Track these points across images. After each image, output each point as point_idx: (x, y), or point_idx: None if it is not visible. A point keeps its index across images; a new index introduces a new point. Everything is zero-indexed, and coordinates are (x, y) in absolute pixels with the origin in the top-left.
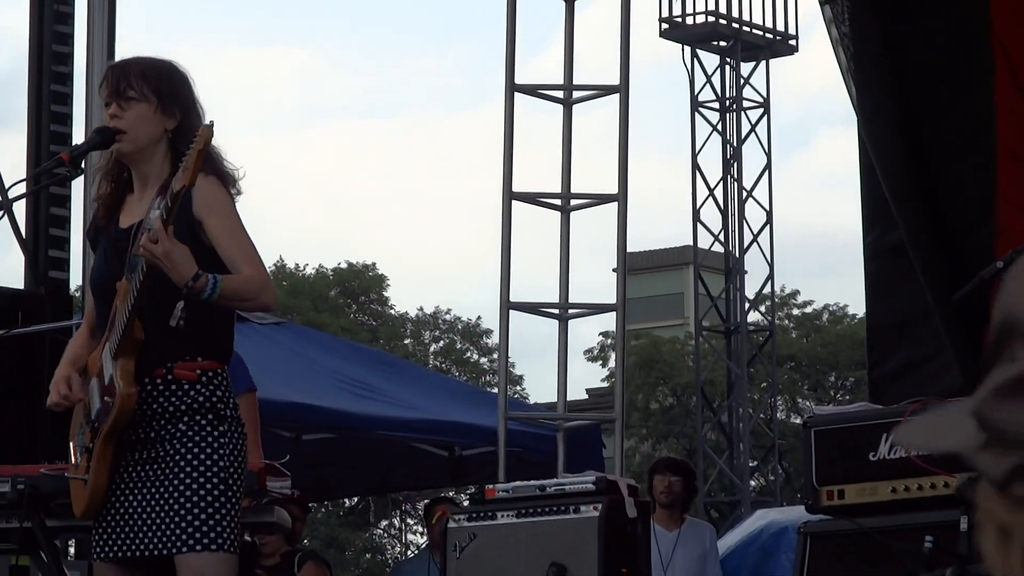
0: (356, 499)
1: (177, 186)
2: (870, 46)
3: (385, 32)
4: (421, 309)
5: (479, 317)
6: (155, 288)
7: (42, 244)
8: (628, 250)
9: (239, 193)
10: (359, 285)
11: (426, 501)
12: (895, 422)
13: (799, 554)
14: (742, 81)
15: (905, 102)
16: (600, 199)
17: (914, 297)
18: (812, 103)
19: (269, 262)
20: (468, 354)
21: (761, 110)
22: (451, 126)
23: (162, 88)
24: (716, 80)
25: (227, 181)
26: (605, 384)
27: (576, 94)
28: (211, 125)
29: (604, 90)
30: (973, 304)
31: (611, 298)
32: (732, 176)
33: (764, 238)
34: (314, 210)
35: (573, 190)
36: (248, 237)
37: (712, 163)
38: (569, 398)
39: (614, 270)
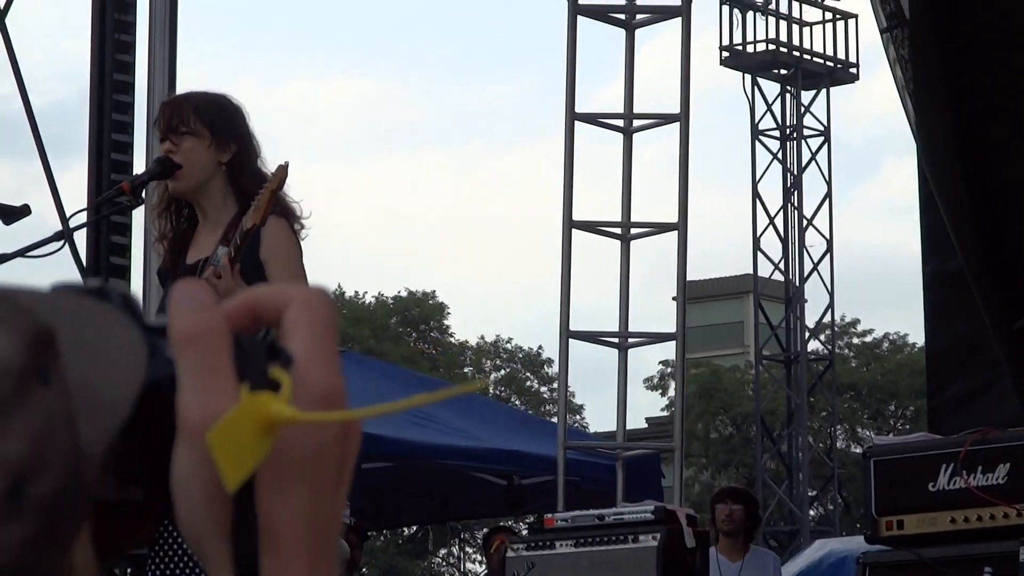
0: (415, 528)
1: (248, 224)
2: (930, 71)
3: (449, 62)
4: (482, 337)
5: (540, 346)
6: None
7: (103, 273)
8: (688, 279)
9: (303, 228)
10: (419, 313)
11: (485, 530)
12: (955, 452)
13: None
14: (803, 109)
15: (964, 127)
16: (660, 228)
17: (973, 325)
18: (873, 131)
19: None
20: (528, 383)
21: (822, 138)
22: (513, 155)
23: (215, 121)
24: (776, 108)
25: (292, 219)
26: (665, 413)
27: (636, 123)
28: (286, 166)
29: (664, 119)
30: None
31: (671, 327)
32: (792, 204)
33: (824, 267)
34: (375, 238)
35: (633, 219)
36: (307, 282)
37: (772, 192)
38: (628, 427)
39: (674, 299)
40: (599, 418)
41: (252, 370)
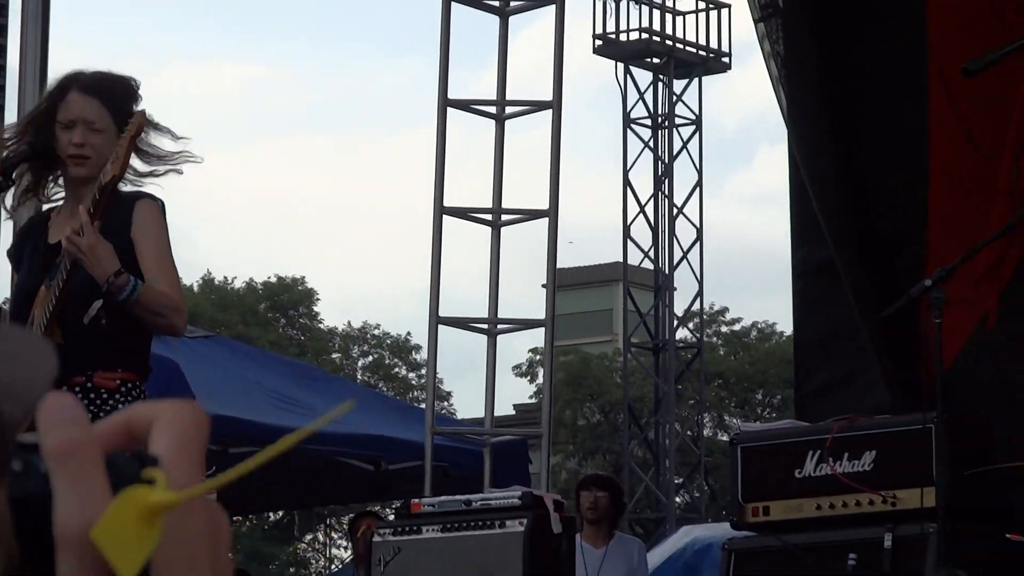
0: (281, 513)
1: (106, 177)
2: (803, 62)
3: (324, 49)
4: (349, 324)
5: (408, 332)
6: (75, 294)
7: None
8: (558, 266)
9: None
10: (288, 299)
11: (351, 515)
12: (822, 439)
13: (723, 571)
14: (675, 98)
15: (838, 118)
16: (531, 215)
17: (841, 314)
18: (744, 121)
19: (198, 274)
20: (396, 369)
21: (693, 127)
22: (386, 142)
23: (119, 109)
24: (649, 97)
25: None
26: (533, 400)
27: (509, 110)
28: (143, 112)
29: (537, 106)
30: (901, 321)
31: (540, 314)
32: (663, 193)
33: (694, 255)
34: (246, 224)
35: (504, 205)
36: (173, 264)
37: (644, 180)
38: (497, 414)
39: (544, 286)
40: (467, 405)
41: (124, 480)
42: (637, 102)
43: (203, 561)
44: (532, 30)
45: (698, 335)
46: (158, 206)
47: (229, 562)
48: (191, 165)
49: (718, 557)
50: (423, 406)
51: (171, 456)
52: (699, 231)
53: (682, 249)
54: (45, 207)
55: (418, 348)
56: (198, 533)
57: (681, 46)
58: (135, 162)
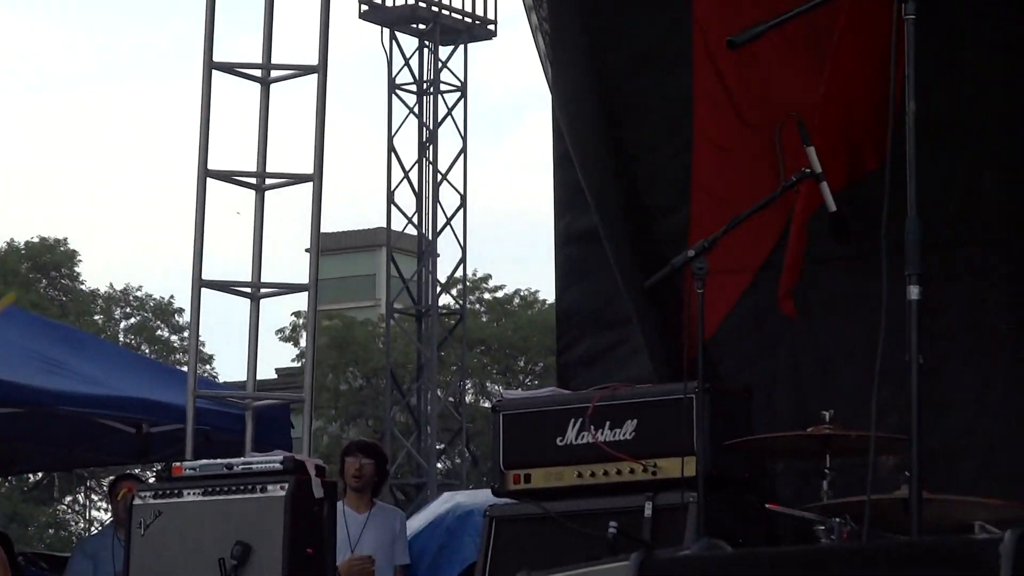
0: (40, 475)
1: None
2: (569, 31)
3: (92, 8)
4: (111, 286)
5: (171, 295)
6: None
7: None
8: (322, 231)
9: None
10: (50, 260)
11: (112, 478)
12: (583, 407)
13: (484, 537)
14: (440, 64)
15: (603, 87)
16: (295, 179)
17: (604, 283)
18: (509, 89)
19: None
20: (159, 332)
21: (458, 94)
22: (151, 103)
23: None
24: (414, 63)
25: None
26: (296, 364)
27: (274, 73)
28: None
29: (302, 70)
30: (664, 291)
31: (304, 278)
32: (427, 159)
33: (458, 222)
34: (5, 183)
35: (269, 169)
36: None
37: (408, 146)
38: (260, 378)
39: (307, 250)
40: (231, 368)
41: None
42: (402, 68)
43: None
44: None
45: (461, 301)
46: None
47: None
48: None
49: (479, 523)
50: (185, 369)
51: None
52: (463, 198)
53: (446, 215)
54: None
55: (181, 311)
56: None
57: (447, 12)
58: None
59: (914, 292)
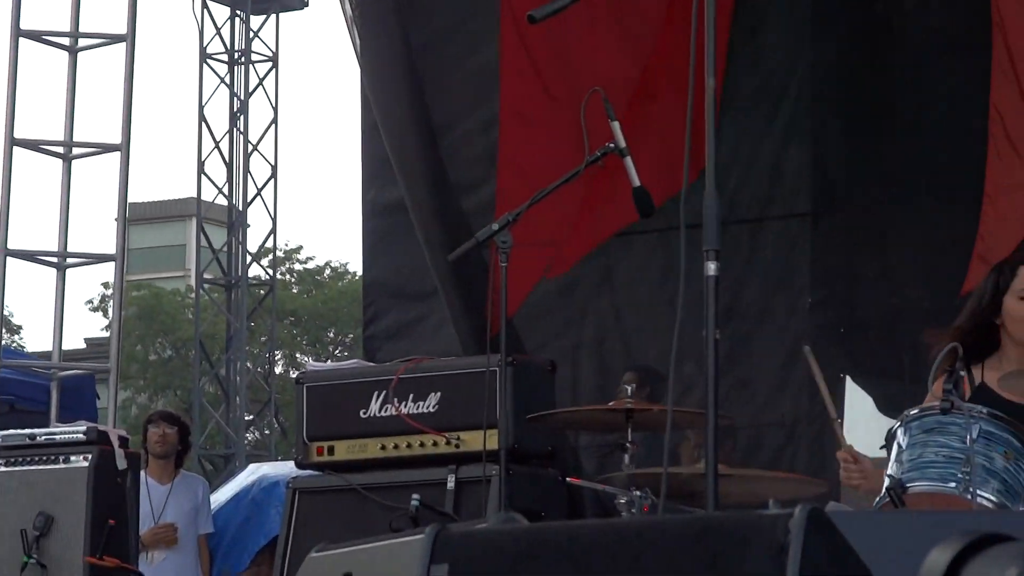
0: None
1: None
2: (376, 3)
3: None
4: None
5: None
6: None
7: None
8: (131, 200)
9: None
10: None
11: None
12: (387, 380)
13: (287, 509)
14: (251, 34)
15: (409, 60)
16: (103, 148)
17: (411, 256)
18: (320, 59)
19: None
20: None
21: (270, 64)
22: None
23: None
24: (226, 32)
25: None
26: (105, 334)
27: (82, 42)
28: None
29: (111, 39)
30: (470, 264)
31: (111, 249)
32: (238, 129)
33: (268, 193)
34: None
35: (76, 139)
36: None
37: (219, 116)
38: (69, 348)
39: (116, 220)
40: (40, 338)
41: None
42: (214, 37)
43: None
44: None
45: (271, 272)
46: None
47: None
48: None
49: (284, 495)
50: None
51: None
52: (274, 169)
53: (256, 186)
54: None
55: None
56: None
57: None
58: None
59: (711, 268)
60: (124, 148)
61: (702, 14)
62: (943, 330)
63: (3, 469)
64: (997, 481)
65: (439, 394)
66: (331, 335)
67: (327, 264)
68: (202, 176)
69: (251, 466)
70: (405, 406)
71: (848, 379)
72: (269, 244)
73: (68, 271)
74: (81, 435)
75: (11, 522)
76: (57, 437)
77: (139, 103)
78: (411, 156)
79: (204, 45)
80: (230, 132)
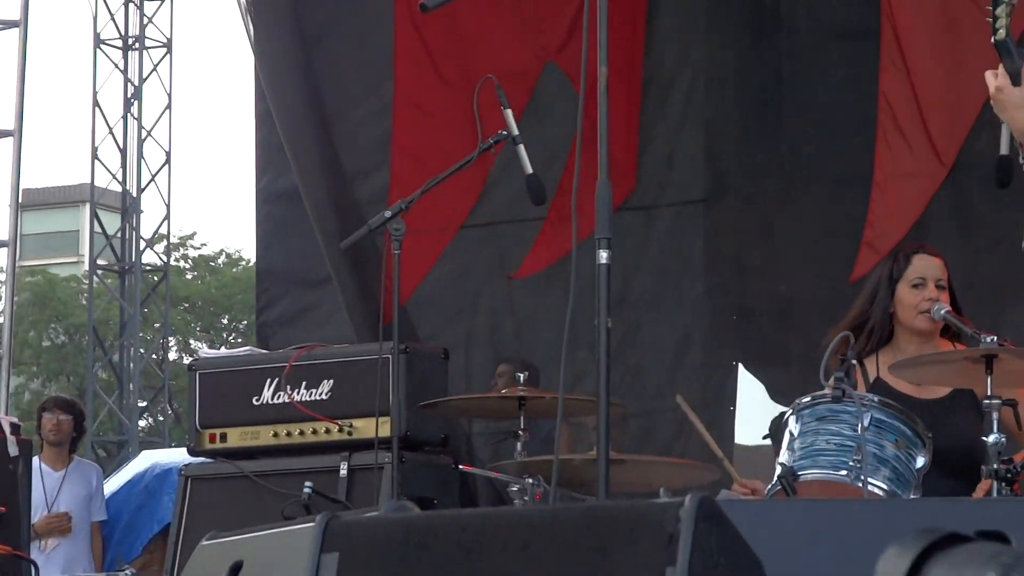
0: None
1: None
2: None
3: None
4: None
5: None
6: None
7: None
8: (24, 186)
9: None
10: None
11: None
12: (280, 367)
13: (179, 496)
14: (146, 20)
15: (302, 46)
16: None
17: (304, 243)
18: (215, 46)
19: None
20: None
21: (164, 50)
22: None
23: None
24: (120, 18)
25: None
26: None
27: None
28: None
29: (4, 24)
30: (363, 252)
31: (4, 234)
32: (132, 115)
33: (162, 179)
34: None
35: None
36: None
37: (114, 102)
38: None
39: (9, 206)
40: None
41: None
42: (108, 23)
43: None
44: None
45: (165, 259)
46: None
47: None
48: None
49: (177, 482)
50: None
51: None
52: (168, 155)
53: (151, 172)
54: None
55: None
56: None
57: None
58: None
59: (603, 256)
60: (17, 134)
61: (594, 3)
62: (838, 324)
63: None
64: (888, 469)
65: (332, 381)
66: (225, 322)
67: (221, 251)
68: (96, 162)
69: (144, 453)
70: (298, 393)
71: (740, 367)
72: (163, 230)
73: None
74: None
75: None
76: None
77: (32, 88)
78: (304, 144)
79: (98, 31)
80: (124, 118)
